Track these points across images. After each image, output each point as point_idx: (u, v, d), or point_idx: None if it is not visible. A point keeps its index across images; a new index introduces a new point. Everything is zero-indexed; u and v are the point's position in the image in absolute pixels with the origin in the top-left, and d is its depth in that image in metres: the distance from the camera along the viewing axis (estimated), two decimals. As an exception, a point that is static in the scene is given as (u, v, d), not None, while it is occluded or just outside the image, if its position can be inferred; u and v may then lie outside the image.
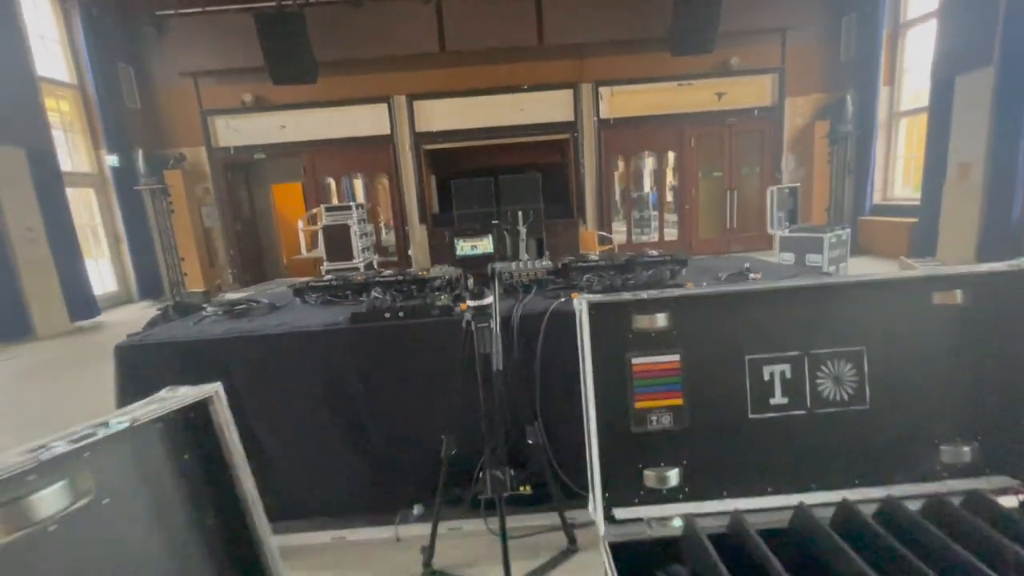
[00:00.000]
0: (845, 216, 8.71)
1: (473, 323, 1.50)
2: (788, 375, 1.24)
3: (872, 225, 8.31)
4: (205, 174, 8.85)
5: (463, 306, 1.81)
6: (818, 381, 1.24)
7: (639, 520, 1.18)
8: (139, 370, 1.87)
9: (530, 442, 1.68)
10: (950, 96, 6.58)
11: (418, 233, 9.11)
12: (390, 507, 2.05)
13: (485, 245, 1.43)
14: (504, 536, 1.62)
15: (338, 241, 5.70)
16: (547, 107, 8.68)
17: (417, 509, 2.02)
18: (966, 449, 1.24)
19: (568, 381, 1.41)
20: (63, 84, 7.73)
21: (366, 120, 8.70)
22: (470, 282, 2.20)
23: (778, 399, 1.24)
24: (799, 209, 6.60)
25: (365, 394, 1.89)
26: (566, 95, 8.67)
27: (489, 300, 1.46)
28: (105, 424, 0.68)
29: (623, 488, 1.23)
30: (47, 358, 5.49)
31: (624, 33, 8.25)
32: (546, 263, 2.28)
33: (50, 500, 0.61)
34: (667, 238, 9.33)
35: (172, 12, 8.19)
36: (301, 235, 7.57)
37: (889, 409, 1.25)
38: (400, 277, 2.21)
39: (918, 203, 7.33)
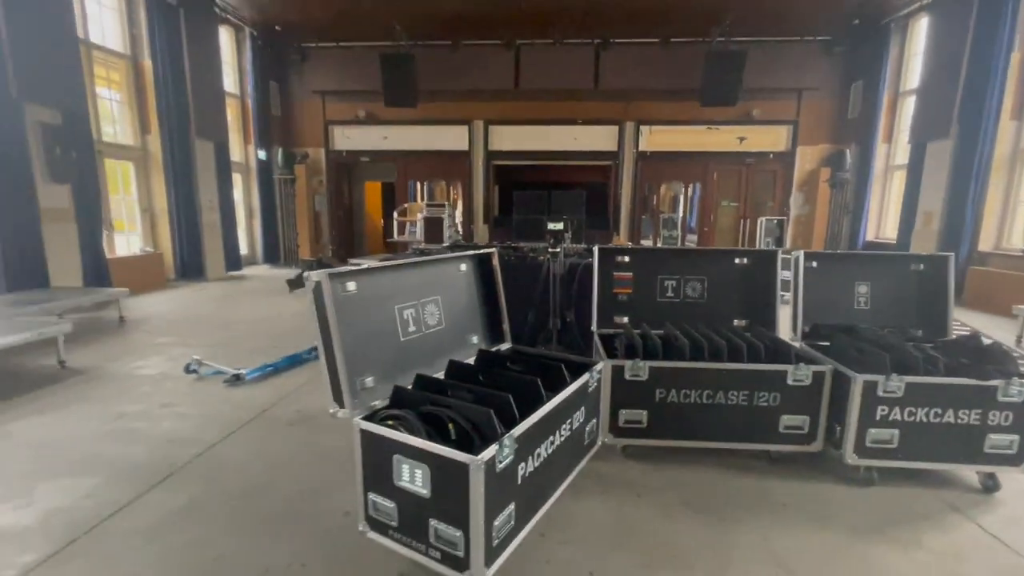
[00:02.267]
0: (841, 247, 10.29)
1: (550, 260, 3.48)
2: (675, 285, 3.17)
3: (862, 258, 9.83)
4: (321, 169, 11.27)
5: (543, 257, 3.81)
6: (687, 288, 3.17)
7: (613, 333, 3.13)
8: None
9: (568, 320, 3.64)
10: (923, 158, 8.16)
11: (481, 230, 11.22)
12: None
13: (560, 225, 3.32)
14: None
15: (433, 228, 7.84)
16: (596, 138, 10.67)
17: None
18: (744, 322, 3.13)
19: (588, 293, 3.31)
20: (231, 95, 10.26)
21: (450, 138, 10.92)
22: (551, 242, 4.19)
23: (670, 294, 3.17)
24: (785, 237, 8.29)
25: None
26: (612, 130, 10.64)
27: (558, 249, 3.44)
28: (467, 253, 2.68)
29: (606, 323, 3.18)
30: (215, 294, 7.78)
31: (663, 84, 10.16)
32: (583, 245, 4.24)
33: (463, 265, 2.62)
34: (687, 254, 11.07)
35: (314, 44, 10.69)
36: (395, 224, 9.80)
37: (714, 303, 3.15)
38: (510, 245, 4.22)
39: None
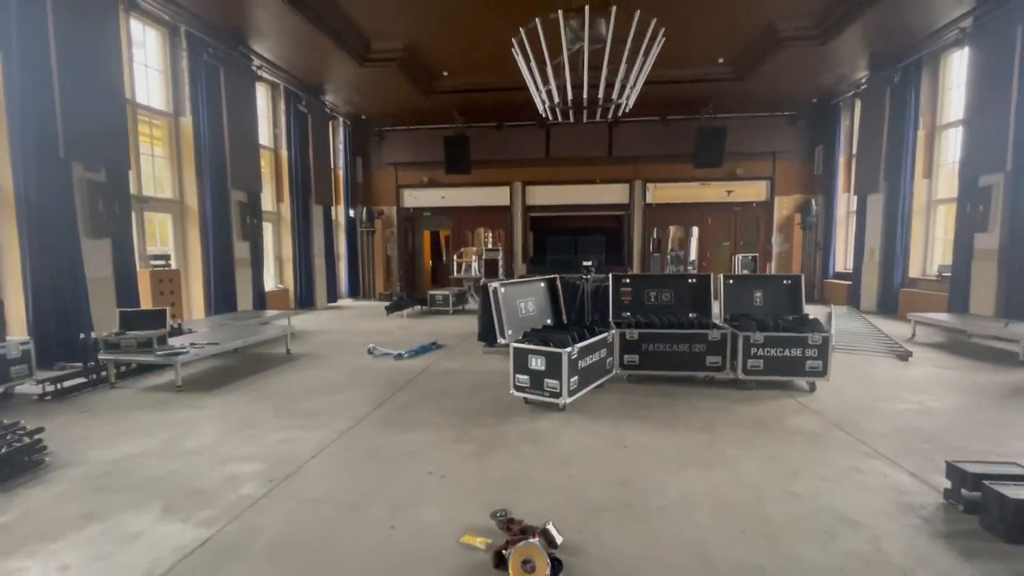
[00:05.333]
0: (816, 278, 12.59)
1: (585, 283, 6.02)
2: (655, 294, 5.68)
3: (831, 285, 12.12)
4: (392, 223, 14.21)
5: (579, 282, 6.39)
6: (662, 296, 5.67)
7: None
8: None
9: (596, 317, 6.15)
10: (865, 207, 10.56)
11: (520, 267, 13.86)
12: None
13: (589, 263, 5.80)
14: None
15: (491, 267, 10.51)
16: (612, 194, 13.40)
17: (558, 344, 6.52)
18: (695, 314, 5.60)
19: (607, 301, 5.76)
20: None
21: (495, 196, 13.78)
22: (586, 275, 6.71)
23: (652, 300, 5.68)
24: (758, 268, 10.68)
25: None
26: (624, 187, 13.36)
27: (588, 277, 5.98)
28: (544, 278, 5.24)
29: (617, 316, 5.69)
30: (332, 316, 10.49)
31: (663, 150, 12.89)
32: (603, 275, 6.78)
33: (542, 284, 5.17)
34: (690, 285, 13.48)
35: (389, 128, 13.83)
36: (455, 264, 12.52)
37: (678, 303, 5.64)
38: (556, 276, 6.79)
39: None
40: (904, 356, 6.10)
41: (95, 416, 4.25)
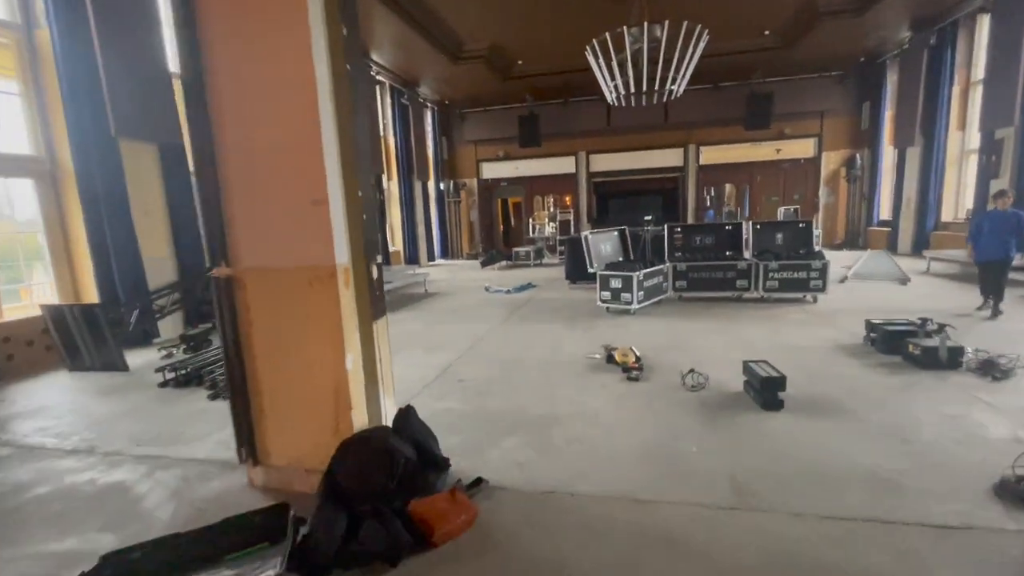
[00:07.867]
0: (860, 227, 13.76)
1: (646, 233, 8.06)
2: (700, 238, 7.65)
3: (874, 232, 13.29)
4: (474, 192, 16.54)
5: (641, 232, 8.44)
6: (706, 239, 7.63)
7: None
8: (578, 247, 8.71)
9: (655, 258, 8.22)
10: (904, 159, 11.65)
11: (584, 227, 15.86)
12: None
13: (650, 217, 7.75)
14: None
15: (564, 227, 12.63)
16: (667, 158, 14.98)
17: (626, 280, 8.66)
18: (731, 252, 7.54)
19: (663, 245, 7.75)
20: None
21: (562, 165, 15.73)
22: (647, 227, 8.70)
23: (698, 243, 7.66)
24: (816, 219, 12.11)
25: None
26: (679, 151, 14.89)
27: (648, 228, 8.00)
28: (617, 228, 7.35)
29: (671, 256, 7.72)
30: (437, 271, 13.05)
31: (715, 115, 14.24)
32: (659, 228, 8.75)
33: (616, 232, 7.30)
34: (740, 237, 14.99)
35: (469, 109, 15.99)
36: (530, 226, 14.74)
37: (718, 244, 7.59)
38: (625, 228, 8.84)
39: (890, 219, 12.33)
40: (904, 282, 7.74)
41: (340, 322, 6.91)
